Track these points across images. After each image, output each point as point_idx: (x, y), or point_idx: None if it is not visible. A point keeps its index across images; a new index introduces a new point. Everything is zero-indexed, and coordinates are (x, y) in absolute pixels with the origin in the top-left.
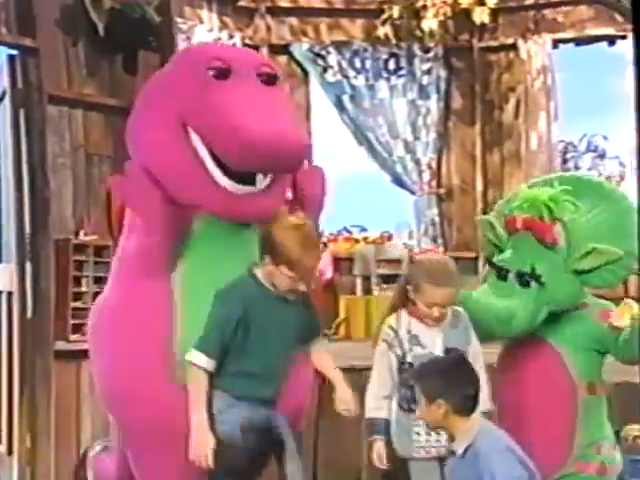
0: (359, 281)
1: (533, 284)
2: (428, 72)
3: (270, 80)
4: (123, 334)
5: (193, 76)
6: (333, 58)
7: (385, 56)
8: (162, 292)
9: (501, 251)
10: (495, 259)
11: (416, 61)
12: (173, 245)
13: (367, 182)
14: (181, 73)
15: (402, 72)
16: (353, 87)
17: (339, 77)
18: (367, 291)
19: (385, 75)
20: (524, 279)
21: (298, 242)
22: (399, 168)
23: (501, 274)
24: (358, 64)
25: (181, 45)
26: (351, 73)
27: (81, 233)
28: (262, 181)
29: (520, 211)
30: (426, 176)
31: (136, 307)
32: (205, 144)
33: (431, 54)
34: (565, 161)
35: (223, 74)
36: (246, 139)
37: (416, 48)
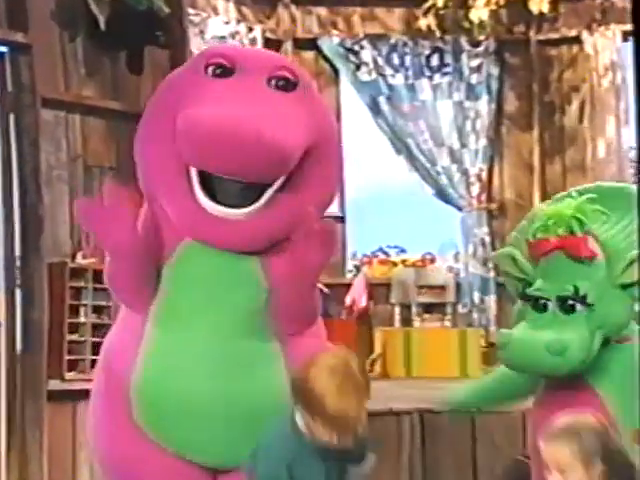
0: (397, 310)
1: (579, 307)
2: (477, 69)
3: (286, 86)
4: (99, 368)
5: (191, 74)
6: (367, 54)
7: (427, 51)
8: (137, 325)
9: (529, 284)
10: (528, 290)
11: (463, 57)
12: (146, 274)
13: (406, 196)
14: (182, 73)
15: (447, 69)
16: (390, 87)
17: (374, 76)
18: (406, 322)
19: (427, 73)
20: (567, 304)
21: (335, 390)
22: (444, 180)
23: (539, 306)
24: (396, 60)
25: (193, 40)
26: (388, 71)
27: (79, 256)
28: (252, 205)
29: (545, 232)
30: (475, 189)
31: (114, 341)
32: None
33: (481, 48)
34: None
35: (224, 73)
36: (194, 126)
37: (463, 42)
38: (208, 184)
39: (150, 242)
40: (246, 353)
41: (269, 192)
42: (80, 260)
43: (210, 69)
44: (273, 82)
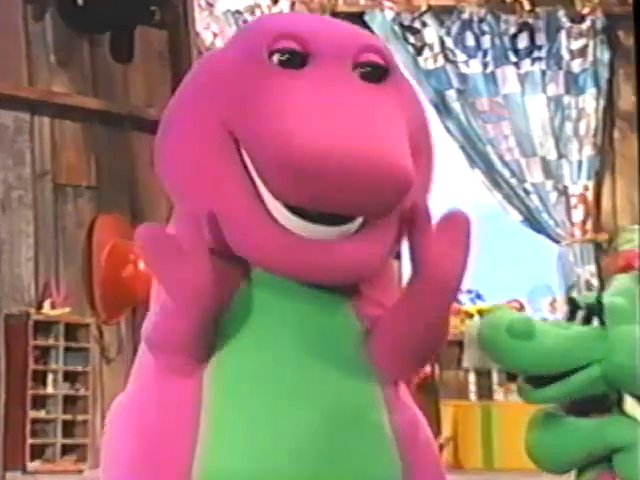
0: (472, 378)
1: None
2: (581, 53)
3: (374, 75)
4: (131, 453)
5: (248, 62)
6: (432, 33)
7: (513, 29)
8: (187, 395)
9: None
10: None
11: (562, 36)
12: (207, 329)
13: (484, 223)
14: (232, 59)
15: (540, 54)
16: (463, 77)
17: (441, 62)
18: (485, 394)
19: (513, 59)
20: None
21: None
22: (535, 201)
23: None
24: (471, 42)
25: (199, 17)
26: (460, 56)
27: (46, 304)
28: (350, 219)
29: None
30: (578, 214)
31: (152, 414)
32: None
33: (585, 25)
34: None
35: (295, 60)
36: (291, 155)
37: (562, 16)
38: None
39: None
40: (356, 423)
41: None
42: (48, 310)
43: (276, 57)
44: (358, 70)
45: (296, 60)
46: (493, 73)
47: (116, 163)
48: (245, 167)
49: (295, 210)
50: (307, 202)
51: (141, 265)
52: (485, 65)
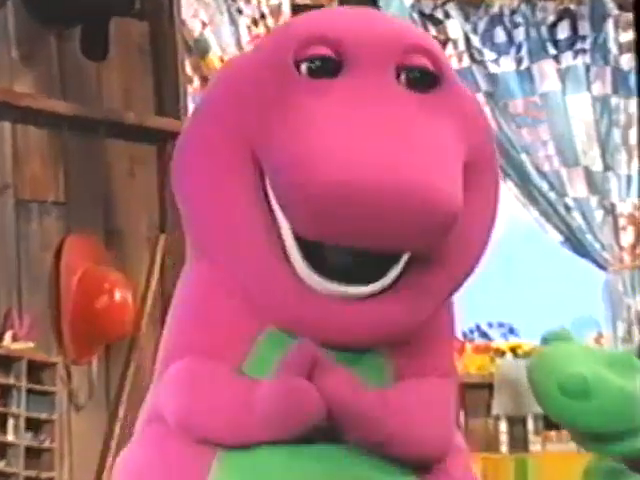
0: (504, 426)
1: None
2: (631, 47)
3: (423, 81)
4: None
5: (273, 73)
6: (456, 26)
7: (552, 17)
8: (196, 470)
9: None
10: None
11: (609, 26)
12: None
13: (518, 245)
14: (255, 68)
15: (583, 45)
16: (492, 77)
17: (467, 62)
18: (519, 445)
19: (552, 51)
20: None
21: None
22: (578, 219)
23: None
24: (501, 37)
25: (185, 5)
26: (489, 55)
27: (7, 336)
28: (379, 279)
29: None
30: (627, 236)
31: None
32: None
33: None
34: None
35: (328, 68)
36: (309, 185)
37: (609, 2)
38: (303, 246)
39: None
40: None
41: (402, 261)
42: (9, 343)
43: (305, 65)
44: (403, 76)
45: (329, 67)
46: (529, 69)
47: (88, 175)
48: (266, 196)
49: (315, 259)
50: (327, 238)
51: (117, 295)
52: (519, 61)
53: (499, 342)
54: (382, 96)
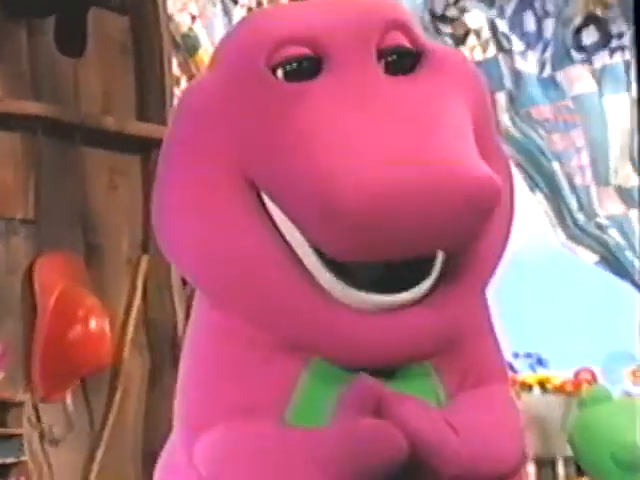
0: (531, 469)
1: None
2: None
3: (404, 62)
4: None
5: (247, 85)
6: (477, 15)
7: (579, 19)
8: None
9: None
10: None
11: None
12: None
13: (548, 265)
14: (225, 83)
15: (620, 41)
16: (517, 75)
17: (492, 51)
18: None
19: (586, 49)
20: None
21: None
22: (615, 236)
23: None
24: (531, 23)
25: None
26: (517, 44)
27: None
28: (417, 280)
29: None
30: None
31: None
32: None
33: None
34: None
35: (305, 69)
36: (336, 200)
37: None
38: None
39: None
40: None
41: (437, 264)
42: None
43: (281, 70)
44: (384, 60)
45: (306, 67)
46: (556, 70)
47: (63, 188)
48: (270, 218)
49: (341, 269)
50: (364, 256)
51: (93, 324)
52: (543, 63)
53: (526, 375)
54: (374, 90)
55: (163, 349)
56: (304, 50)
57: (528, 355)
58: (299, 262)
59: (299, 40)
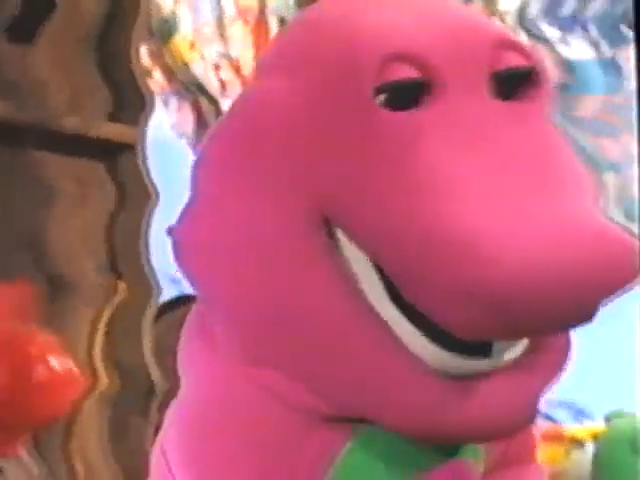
0: None
1: None
2: None
3: (514, 85)
4: None
5: (348, 107)
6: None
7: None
8: None
9: None
10: None
11: None
12: None
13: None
14: (318, 101)
15: None
16: (568, 66)
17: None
18: None
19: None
20: None
21: None
22: None
23: None
24: (568, 8)
25: None
26: (551, 31)
27: None
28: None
29: None
30: None
31: None
32: (375, 265)
33: None
34: None
35: (410, 95)
36: (477, 277)
37: None
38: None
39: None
40: None
41: None
42: None
43: (384, 95)
44: (497, 87)
45: (411, 93)
46: (613, 54)
47: (13, 202)
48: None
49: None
50: (502, 335)
51: (54, 362)
52: (596, 45)
53: (568, 428)
54: (494, 126)
55: (131, 398)
56: (415, 72)
57: (568, 405)
58: (374, 313)
59: (409, 58)
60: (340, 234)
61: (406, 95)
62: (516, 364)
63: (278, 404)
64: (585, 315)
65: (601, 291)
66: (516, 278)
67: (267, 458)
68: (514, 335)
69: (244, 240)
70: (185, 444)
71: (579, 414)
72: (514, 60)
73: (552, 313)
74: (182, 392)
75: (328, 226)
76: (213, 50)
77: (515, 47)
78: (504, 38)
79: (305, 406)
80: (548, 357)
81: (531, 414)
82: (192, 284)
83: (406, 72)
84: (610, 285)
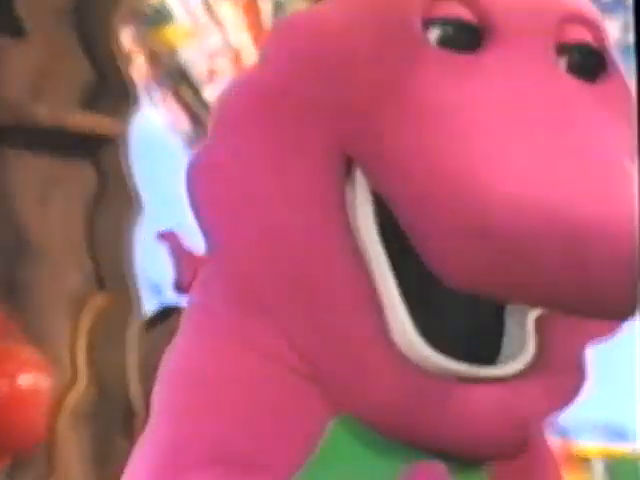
0: None
1: None
2: None
3: (588, 66)
4: None
5: (393, 36)
6: None
7: None
8: None
9: None
10: None
11: None
12: None
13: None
14: (368, 28)
15: None
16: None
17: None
18: None
19: None
20: None
21: None
22: None
23: None
24: None
25: None
26: None
27: None
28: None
29: None
30: None
31: None
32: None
33: None
34: None
35: (463, 39)
36: (486, 213)
37: None
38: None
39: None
40: None
41: (531, 318)
42: None
43: (436, 31)
44: (565, 59)
45: (464, 37)
46: None
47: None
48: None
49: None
50: (486, 282)
51: (23, 380)
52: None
53: (611, 444)
54: (553, 86)
55: (113, 418)
56: (468, 14)
57: (612, 431)
58: (374, 299)
59: (468, 3)
60: (359, 175)
61: (463, 40)
62: (518, 378)
63: (262, 359)
64: (578, 259)
65: (596, 237)
66: (511, 207)
67: (254, 410)
68: (510, 290)
69: (259, 174)
70: (167, 393)
71: (617, 437)
72: (584, 37)
73: (545, 250)
74: (174, 345)
75: (348, 167)
76: (212, 40)
77: (589, 24)
78: (578, 12)
79: (287, 364)
80: (557, 378)
81: (518, 435)
82: (197, 218)
83: (457, 10)
84: (606, 235)
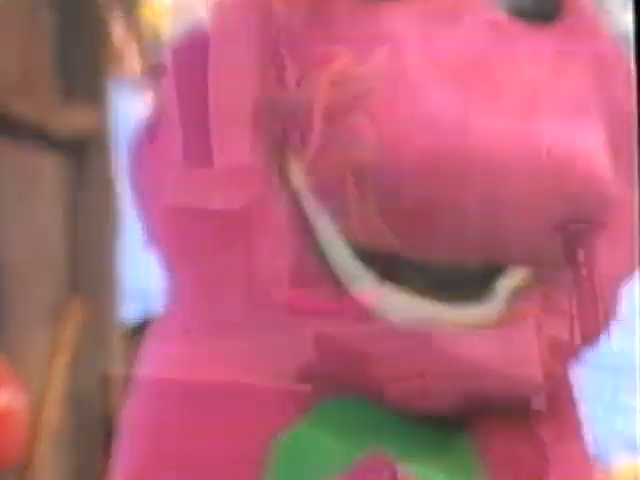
0: None
1: None
2: None
3: (536, 8)
4: None
5: None
6: None
7: None
8: None
9: None
10: None
11: None
12: None
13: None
14: None
15: None
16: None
17: None
18: None
19: None
20: None
21: None
22: None
23: None
24: None
25: None
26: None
27: None
28: (486, 285)
29: None
30: None
31: None
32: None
33: None
34: None
35: None
36: (392, 136)
37: None
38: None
39: None
40: None
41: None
42: None
43: None
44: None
45: None
46: None
47: None
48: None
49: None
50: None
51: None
52: None
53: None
54: (488, 22)
55: (93, 439)
56: None
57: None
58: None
59: None
60: None
61: None
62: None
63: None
64: (485, 202)
65: (501, 176)
66: (430, 144)
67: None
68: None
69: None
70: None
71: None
72: None
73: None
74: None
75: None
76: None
77: None
78: None
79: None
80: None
81: (517, 383)
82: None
83: None
84: (511, 174)
